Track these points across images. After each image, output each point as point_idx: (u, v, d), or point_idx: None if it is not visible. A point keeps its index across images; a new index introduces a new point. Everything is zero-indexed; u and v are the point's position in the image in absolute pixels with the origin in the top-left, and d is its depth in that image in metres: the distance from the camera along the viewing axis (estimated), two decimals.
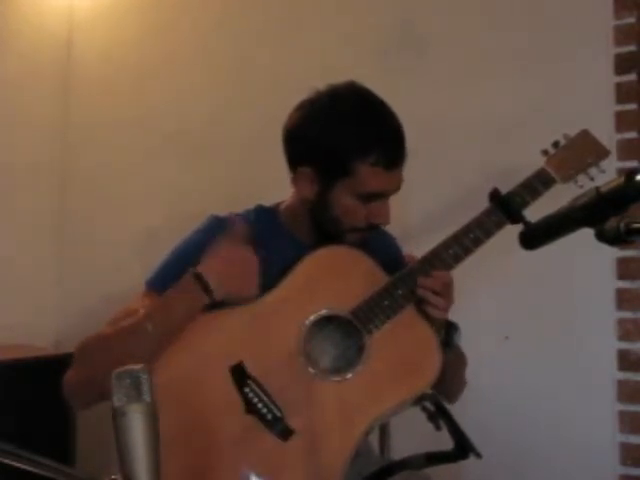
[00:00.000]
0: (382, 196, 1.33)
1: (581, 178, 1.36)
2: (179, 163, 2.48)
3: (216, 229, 1.40)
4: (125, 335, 1.27)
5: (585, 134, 1.39)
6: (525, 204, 1.33)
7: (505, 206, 1.32)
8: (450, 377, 1.38)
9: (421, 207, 2.03)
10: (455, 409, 1.28)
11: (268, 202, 1.50)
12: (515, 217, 1.31)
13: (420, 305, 1.31)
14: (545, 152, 1.38)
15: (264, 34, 2.38)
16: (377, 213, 1.34)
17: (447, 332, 1.35)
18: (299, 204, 1.41)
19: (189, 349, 1.29)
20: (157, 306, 1.29)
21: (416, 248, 1.54)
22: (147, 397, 0.77)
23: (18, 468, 0.71)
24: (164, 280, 1.35)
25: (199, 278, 1.27)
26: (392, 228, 1.57)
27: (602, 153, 1.38)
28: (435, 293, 1.29)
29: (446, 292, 1.30)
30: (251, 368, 1.27)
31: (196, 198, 2.37)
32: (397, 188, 1.36)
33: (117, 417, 0.76)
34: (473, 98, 2.00)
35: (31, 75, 2.64)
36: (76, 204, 2.70)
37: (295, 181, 1.39)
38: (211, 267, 1.29)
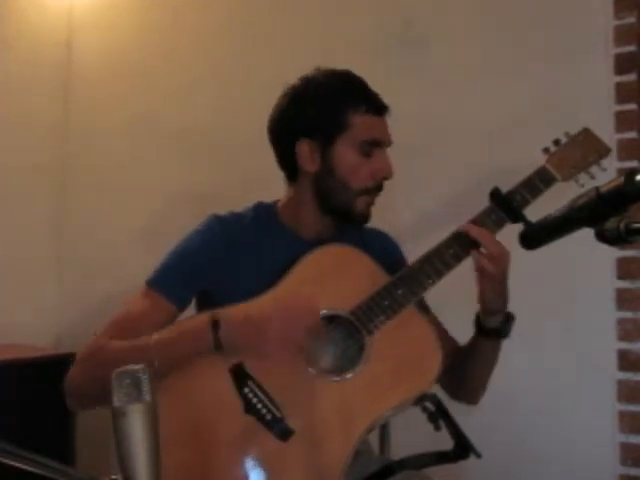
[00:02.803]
0: (380, 144, 1.38)
1: (582, 176, 1.35)
2: (179, 163, 2.48)
3: (216, 228, 1.40)
4: (134, 358, 1.26)
5: (586, 132, 1.38)
6: (526, 203, 1.33)
7: (505, 205, 1.32)
8: (487, 373, 1.42)
9: (421, 206, 2.03)
10: (455, 409, 1.28)
11: (268, 200, 1.50)
12: (515, 216, 1.31)
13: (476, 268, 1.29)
14: (546, 150, 1.37)
15: (264, 34, 2.39)
16: (380, 166, 1.38)
17: (506, 321, 1.36)
18: (295, 199, 1.42)
19: None
20: (167, 341, 1.25)
21: (414, 247, 1.54)
22: (147, 397, 0.77)
23: (18, 468, 0.71)
24: (164, 280, 1.36)
25: (215, 326, 1.24)
26: (390, 227, 1.58)
27: (603, 151, 1.37)
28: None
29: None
30: (251, 368, 1.26)
31: (196, 198, 2.37)
32: (390, 140, 1.41)
33: (117, 417, 0.76)
34: (473, 98, 2.00)
35: (31, 75, 2.64)
36: (76, 204, 2.70)
37: (290, 175, 1.41)
38: (232, 320, 1.25)
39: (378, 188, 1.40)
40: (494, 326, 1.36)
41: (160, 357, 1.23)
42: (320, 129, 1.37)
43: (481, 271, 1.29)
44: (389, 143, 1.41)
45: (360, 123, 1.36)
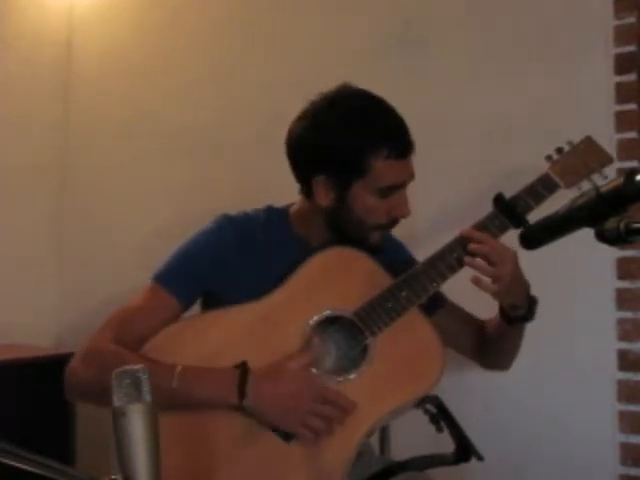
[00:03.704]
0: (400, 187, 1.34)
1: (585, 184, 1.36)
2: (179, 163, 2.48)
3: (226, 229, 1.40)
4: (150, 373, 1.25)
5: (589, 141, 1.39)
6: (529, 209, 1.33)
7: (509, 210, 1.32)
8: (515, 348, 1.44)
9: (422, 209, 2.02)
10: (455, 410, 1.28)
11: (270, 201, 1.50)
12: (519, 221, 1.31)
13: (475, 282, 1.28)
14: (549, 157, 1.38)
15: (264, 34, 2.38)
16: (397, 205, 1.35)
17: (530, 308, 1.36)
18: (308, 209, 1.41)
19: (192, 347, 1.29)
20: (193, 373, 1.24)
21: (416, 251, 1.54)
22: (147, 397, 0.77)
23: (18, 468, 0.71)
24: (170, 276, 1.37)
25: (242, 384, 1.22)
26: (393, 230, 1.57)
27: (605, 160, 1.38)
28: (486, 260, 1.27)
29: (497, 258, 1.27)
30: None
31: (196, 198, 2.37)
32: (412, 177, 1.37)
33: (117, 417, 0.76)
34: (473, 98, 2.00)
35: (31, 75, 2.63)
36: (76, 204, 2.70)
37: (305, 191, 1.39)
38: (263, 387, 1.23)
39: (394, 222, 1.38)
40: (519, 315, 1.36)
41: (181, 381, 1.21)
42: (337, 171, 1.33)
43: (478, 284, 1.28)
44: (411, 180, 1.37)
45: (380, 169, 1.30)
